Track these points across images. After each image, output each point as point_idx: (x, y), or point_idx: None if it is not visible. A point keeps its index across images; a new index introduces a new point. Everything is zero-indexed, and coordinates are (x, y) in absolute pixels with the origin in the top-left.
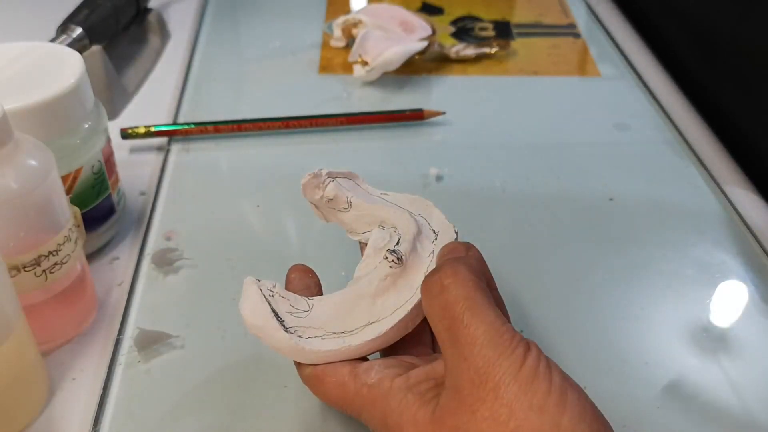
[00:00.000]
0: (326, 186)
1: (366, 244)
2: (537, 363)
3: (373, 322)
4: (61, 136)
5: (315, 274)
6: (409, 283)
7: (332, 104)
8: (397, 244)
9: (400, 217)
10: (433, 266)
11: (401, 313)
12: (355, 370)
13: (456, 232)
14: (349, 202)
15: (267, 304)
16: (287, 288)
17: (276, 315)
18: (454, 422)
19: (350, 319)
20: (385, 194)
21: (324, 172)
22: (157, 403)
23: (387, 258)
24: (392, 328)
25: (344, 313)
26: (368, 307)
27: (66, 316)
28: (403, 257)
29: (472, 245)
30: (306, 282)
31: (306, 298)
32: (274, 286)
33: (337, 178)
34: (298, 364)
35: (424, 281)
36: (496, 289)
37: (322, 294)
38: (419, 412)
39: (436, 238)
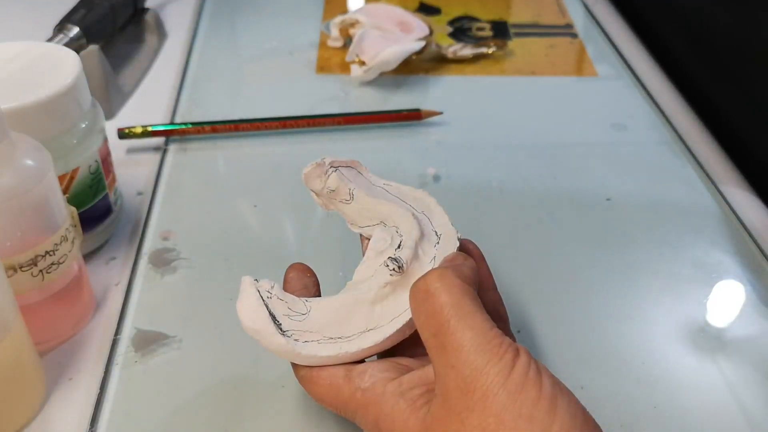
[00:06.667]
0: (329, 176)
1: (366, 239)
2: (526, 369)
3: (371, 329)
4: (58, 135)
5: (313, 273)
6: (408, 291)
7: (329, 104)
8: (399, 247)
9: (403, 217)
10: None
11: (399, 322)
12: (350, 373)
13: (459, 240)
14: (352, 195)
15: (264, 307)
16: (285, 287)
17: (273, 318)
18: (443, 431)
19: (348, 325)
20: (388, 184)
21: (327, 161)
22: (155, 403)
23: (388, 266)
24: (389, 337)
25: (342, 319)
26: (366, 314)
27: (63, 316)
28: (403, 265)
29: (468, 256)
30: (304, 282)
31: (304, 300)
32: (272, 287)
33: (340, 168)
34: (294, 365)
35: (411, 288)
36: (495, 289)
37: (320, 293)
38: (410, 419)
39: (438, 242)
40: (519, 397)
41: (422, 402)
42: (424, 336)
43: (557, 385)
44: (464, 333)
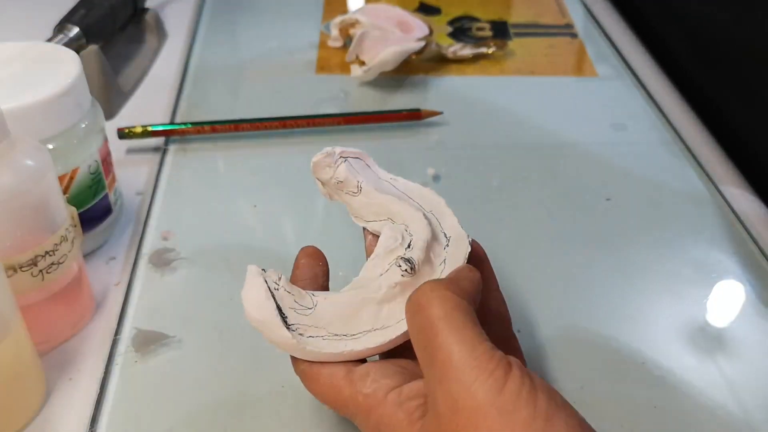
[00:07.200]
0: (338, 166)
1: (371, 233)
2: (519, 386)
3: (377, 329)
4: (58, 135)
5: (325, 261)
6: None
7: (329, 104)
8: (408, 246)
9: (413, 216)
10: (444, 274)
11: (406, 324)
12: (351, 375)
13: (470, 244)
14: (359, 187)
15: (272, 299)
16: (294, 273)
17: (279, 311)
18: None
19: (354, 323)
20: (395, 179)
21: (337, 151)
22: (155, 403)
23: (400, 266)
24: (395, 338)
25: (349, 316)
26: (374, 313)
27: (63, 316)
28: (416, 266)
29: (476, 269)
30: (315, 270)
31: (311, 294)
32: (280, 279)
33: (348, 159)
34: (293, 359)
35: (407, 300)
36: (498, 289)
37: (328, 285)
38: (407, 431)
39: (447, 245)
40: (512, 417)
41: (419, 415)
42: (416, 349)
43: (554, 401)
44: (452, 347)
